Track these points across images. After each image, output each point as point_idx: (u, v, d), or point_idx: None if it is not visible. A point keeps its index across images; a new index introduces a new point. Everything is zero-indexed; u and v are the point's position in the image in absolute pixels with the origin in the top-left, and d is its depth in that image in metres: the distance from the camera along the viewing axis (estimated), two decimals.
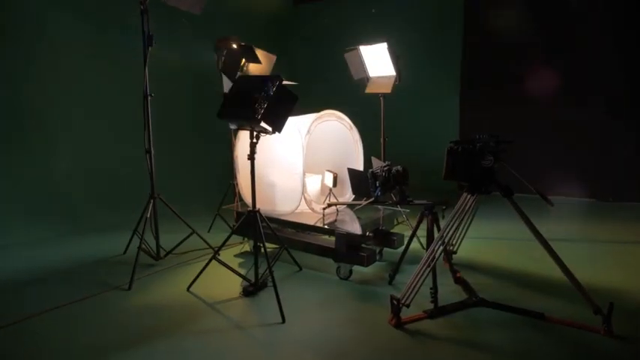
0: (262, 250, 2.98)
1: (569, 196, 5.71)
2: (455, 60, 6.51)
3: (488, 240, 4.31)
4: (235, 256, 3.97)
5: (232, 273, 3.21)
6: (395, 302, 2.67)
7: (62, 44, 4.80)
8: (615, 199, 5.72)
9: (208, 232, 4.66)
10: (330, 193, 3.84)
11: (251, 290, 3.12)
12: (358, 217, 3.75)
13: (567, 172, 5.78)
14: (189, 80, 5.93)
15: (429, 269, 2.66)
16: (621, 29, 5.51)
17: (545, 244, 2.61)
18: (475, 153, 2.71)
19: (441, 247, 2.66)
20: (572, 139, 5.81)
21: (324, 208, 3.58)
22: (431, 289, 2.85)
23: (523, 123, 5.93)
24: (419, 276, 2.67)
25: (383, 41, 4.11)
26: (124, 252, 3.99)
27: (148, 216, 3.56)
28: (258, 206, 3.07)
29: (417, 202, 3.09)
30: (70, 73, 4.88)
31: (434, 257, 2.65)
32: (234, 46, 4.19)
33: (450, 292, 3.11)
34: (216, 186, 5.21)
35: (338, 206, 3.78)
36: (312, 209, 3.63)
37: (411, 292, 2.66)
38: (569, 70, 5.76)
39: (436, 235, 2.96)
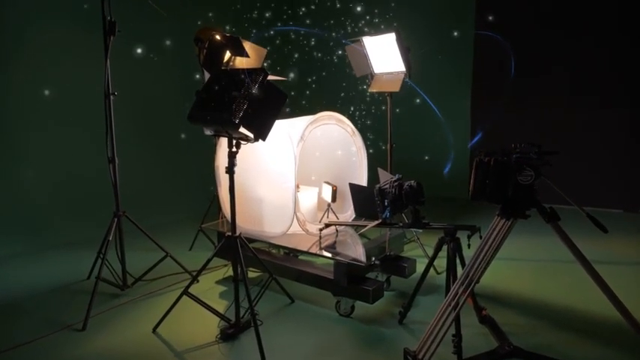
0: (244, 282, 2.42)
1: (595, 207, 5.14)
2: (466, 53, 5.90)
3: (511, 261, 3.72)
4: (217, 282, 3.39)
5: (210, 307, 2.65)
6: (410, 358, 2.10)
7: (29, 39, 4.23)
8: None
9: (190, 250, 4.10)
10: (328, 210, 3.26)
11: (230, 333, 2.55)
12: (362, 237, 3.17)
13: (592, 180, 5.21)
14: (173, 76, 5.33)
15: (452, 316, 2.08)
16: None
17: (598, 279, 2.03)
18: (511, 167, 2.14)
19: (469, 289, 2.08)
20: (597, 145, 5.24)
21: (320, 229, 3.00)
22: (453, 336, 2.29)
23: (541, 126, 5.36)
24: (439, 324, 2.09)
25: (391, 31, 3.52)
26: (88, 277, 3.41)
27: (110, 238, 2.98)
28: (243, 226, 2.51)
29: (434, 225, 2.51)
30: (38, 71, 4.29)
31: (458, 303, 2.07)
32: (218, 37, 3.62)
33: (474, 335, 2.55)
34: (203, 194, 4.63)
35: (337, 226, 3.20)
36: (307, 230, 3.05)
37: (429, 345, 2.08)
38: (594, 67, 5.17)
39: (458, 268, 2.40)
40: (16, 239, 4.11)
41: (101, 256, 3.03)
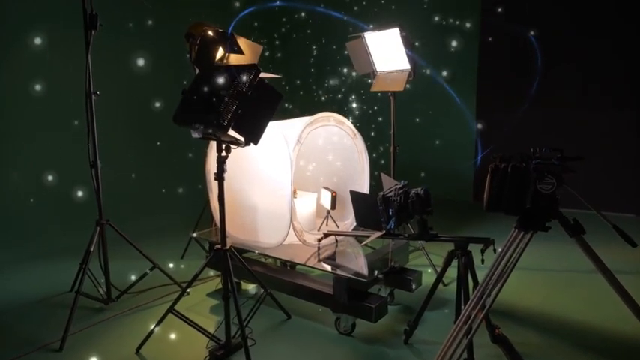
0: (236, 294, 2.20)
1: (606, 211, 4.92)
2: (471, 50, 5.67)
3: (523, 272, 3.48)
4: (209, 294, 3.17)
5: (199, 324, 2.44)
6: None
7: (17, 39, 4.02)
8: None
9: (182, 258, 3.88)
10: (327, 217, 3.05)
11: (220, 355, 2.33)
12: (366, 246, 2.95)
13: (603, 184, 4.98)
14: (164, 75, 5.09)
15: (465, 342, 1.87)
16: None
17: (624, 294, 1.81)
18: (529, 174, 1.92)
19: (484, 311, 1.86)
20: (608, 147, 5.02)
21: (319, 239, 2.79)
22: None
23: (550, 127, 5.14)
24: (451, 350, 1.88)
25: (394, 26, 3.30)
26: (71, 289, 3.19)
27: (92, 249, 2.77)
28: (236, 236, 2.30)
29: (444, 237, 2.29)
30: (27, 73, 4.08)
31: (471, 328, 1.85)
32: (210, 33, 3.40)
33: (487, 357, 2.34)
34: (198, 198, 4.40)
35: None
36: (304, 241, 2.83)
37: None
38: (605, 68, 4.95)
39: (469, 285, 2.18)
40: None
41: (83, 267, 2.81)
